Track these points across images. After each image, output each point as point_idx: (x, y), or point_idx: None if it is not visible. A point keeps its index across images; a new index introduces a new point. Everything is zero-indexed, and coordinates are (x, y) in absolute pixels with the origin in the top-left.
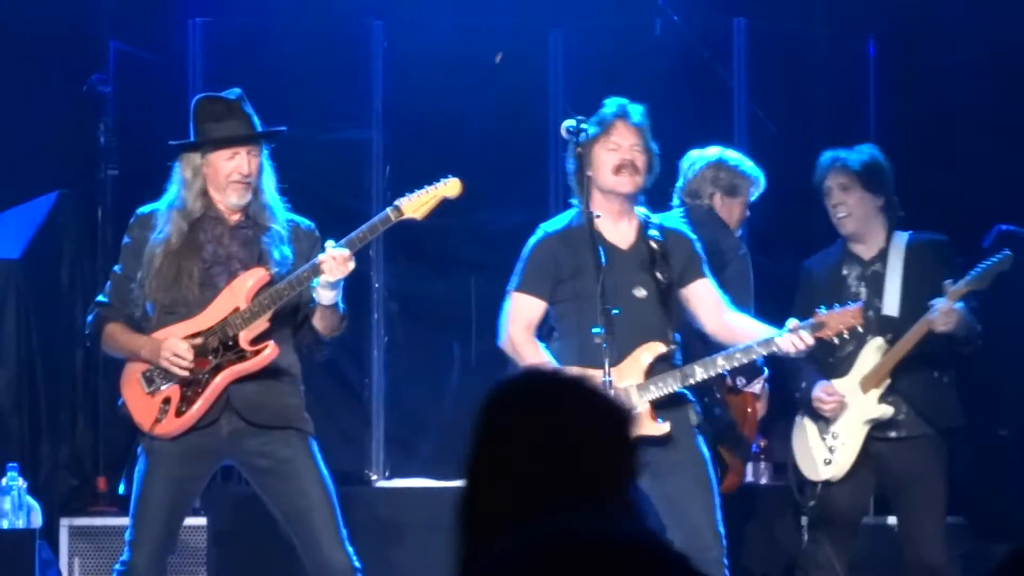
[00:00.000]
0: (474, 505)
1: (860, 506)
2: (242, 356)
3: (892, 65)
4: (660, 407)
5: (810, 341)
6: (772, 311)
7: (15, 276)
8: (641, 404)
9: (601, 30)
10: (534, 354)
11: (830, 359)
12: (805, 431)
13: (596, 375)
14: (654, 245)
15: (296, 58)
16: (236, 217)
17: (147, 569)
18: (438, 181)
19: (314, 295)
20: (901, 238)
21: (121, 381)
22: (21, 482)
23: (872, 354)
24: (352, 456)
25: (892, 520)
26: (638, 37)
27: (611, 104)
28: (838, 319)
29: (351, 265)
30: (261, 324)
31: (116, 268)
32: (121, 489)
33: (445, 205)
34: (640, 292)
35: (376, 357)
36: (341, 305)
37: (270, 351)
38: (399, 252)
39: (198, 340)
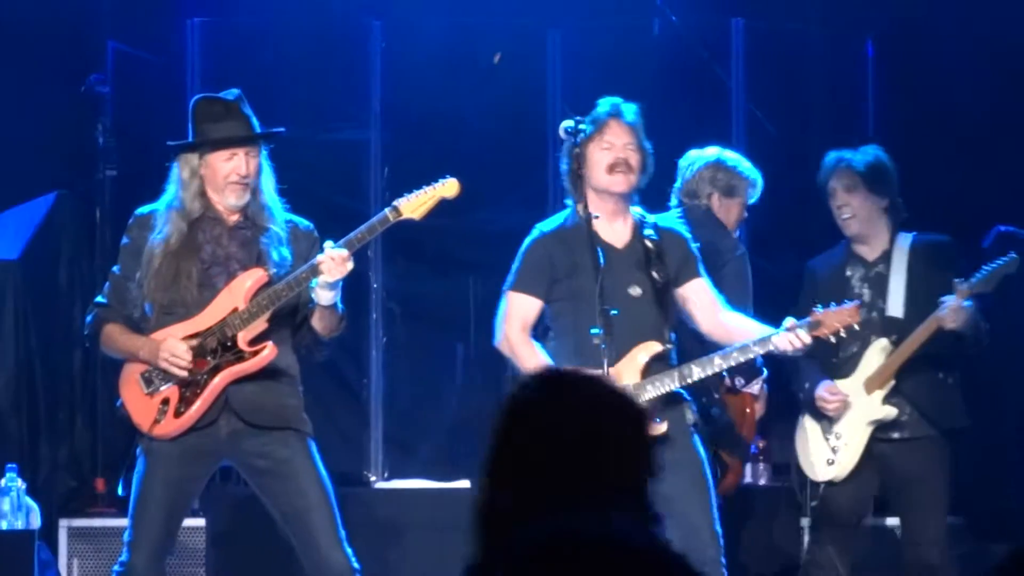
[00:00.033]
0: (493, 504)
1: (862, 507)
2: (241, 357)
3: (890, 65)
4: (657, 407)
5: (807, 340)
6: (771, 311)
7: (13, 276)
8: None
9: (599, 30)
10: (530, 354)
11: (833, 360)
12: (808, 431)
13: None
14: (649, 244)
15: (294, 58)
16: (235, 218)
17: (146, 570)
18: (436, 181)
19: (313, 296)
20: (905, 239)
21: (120, 382)
22: (20, 483)
23: (876, 355)
24: (351, 457)
25: (892, 521)
26: (636, 37)
27: (604, 103)
28: (835, 317)
29: (349, 265)
30: (260, 325)
31: (115, 269)
32: (120, 490)
33: (443, 205)
34: (635, 291)
35: (375, 357)
36: (340, 306)
37: (268, 352)
38: (398, 252)
39: (196, 341)
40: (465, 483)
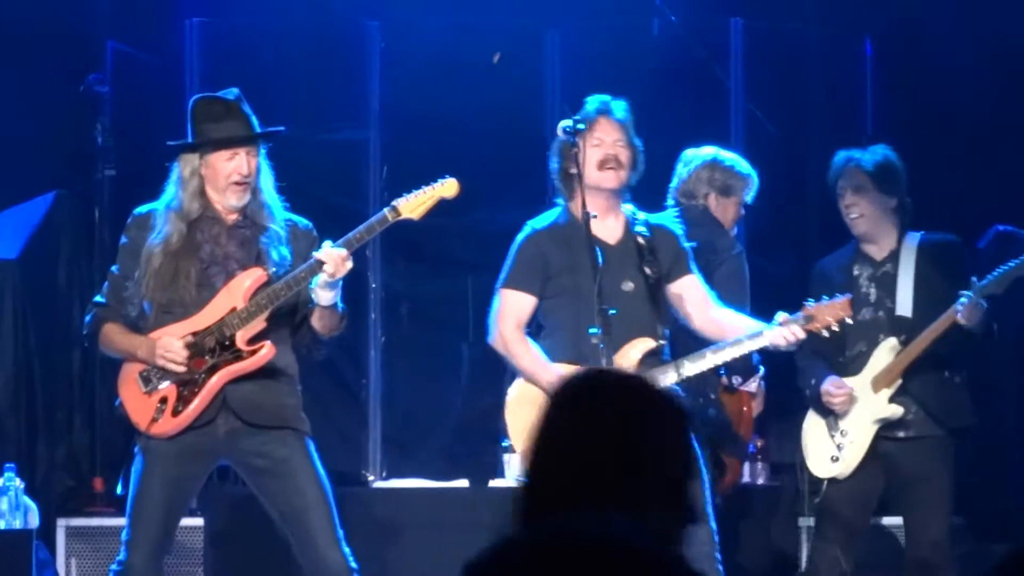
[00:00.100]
0: (534, 498)
1: (867, 506)
2: (239, 356)
3: (889, 65)
4: None
5: (801, 334)
6: (769, 311)
7: (12, 276)
8: None
9: (598, 30)
10: (525, 351)
11: (840, 359)
12: (813, 428)
13: None
14: (641, 240)
15: (293, 58)
16: (234, 217)
17: (144, 569)
18: (435, 181)
19: (313, 296)
20: (913, 239)
21: (118, 381)
22: (18, 482)
23: (885, 354)
24: (349, 456)
25: (892, 520)
26: (635, 37)
27: (594, 100)
28: (827, 311)
29: (349, 265)
30: (258, 324)
31: (113, 268)
32: (119, 489)
33: (442, 205)
34: (628, 286)
35: (373, 357)
36: (340, 305)
37: (267, 351)
38: (396, 252)
39: (195, 340)
40: (463, 483)
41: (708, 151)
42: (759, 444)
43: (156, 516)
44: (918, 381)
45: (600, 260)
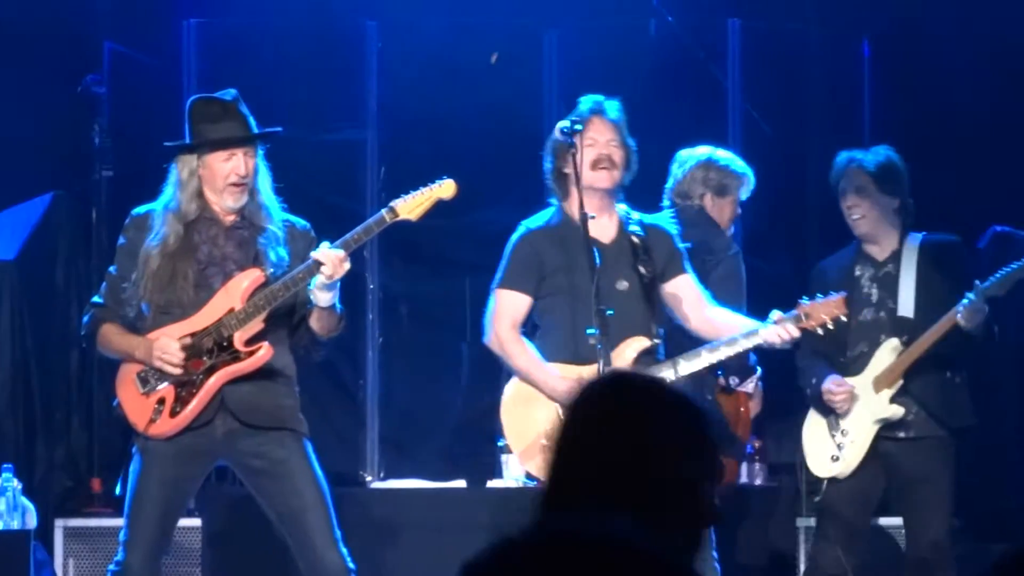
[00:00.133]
0: (552, 501)
1: (867, 506)
2: (237, 357)
3: (887, 65)
4: None
5: (795, 332)
6: (766, 312)
7: (10, 277)
8: None
9: (596, 31)
10: (521, 351)
11: (841, 359)
12: (814, 427)
13: (585, 372)
14: (635, 240)
15: (291, 59)
16: (231, 218)
17: (141, 569)
18: (433, 182)
19: (311, 297)
20: (914, 239)
21: (116, 382)
22: (16, 483)
23: (887, 354)
24: (347, 457)
25: (892, 520)
26: (633, 37)
27: (587, 101)
28: (822, 309)
29: (346, 266)
30: (256, 325)
31: (111, 269)
32: (118, 489)
33: (440, 206)
34: (622, 285)
35: (371, 358)
36: (339, 306)
37: (264, 352)
38: (394, 253)
39: (192, 341)
40: (461, 483)
41: (702, 151)
42: (757, 445)
43: (154, 517)
44: (919, 382)
45: (598, 261)
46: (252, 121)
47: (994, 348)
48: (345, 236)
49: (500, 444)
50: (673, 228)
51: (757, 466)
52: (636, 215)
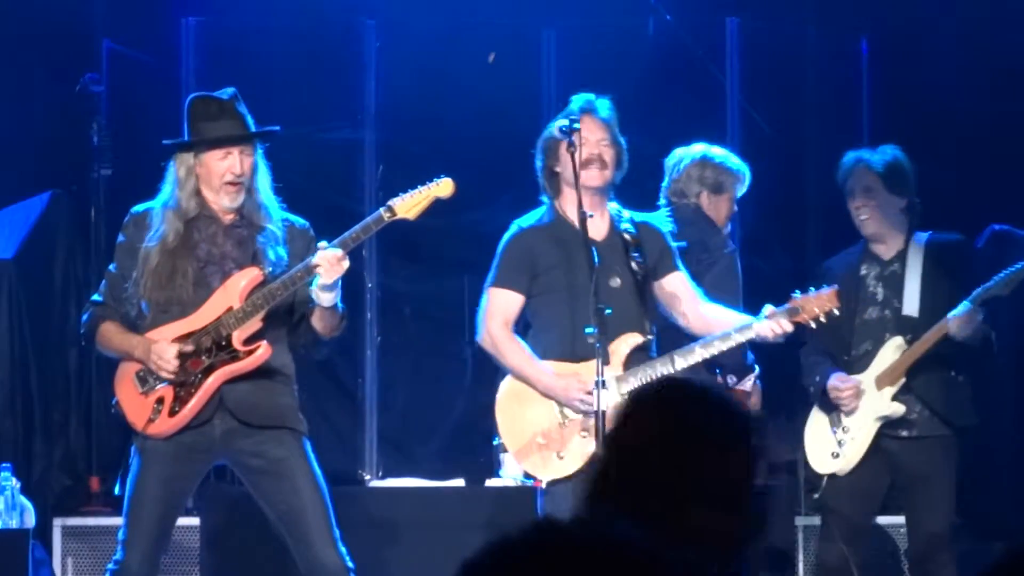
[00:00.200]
0: (604, 495)
1: (870, 504)
2: (235, 356)
3: (885, 64)
4: None
5: (788, 327)
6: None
7: (9, 275)
8: (620, 395)
9: (594, 30)
10: (513, 349)
11: (845, 357)
12: (816, 423)
13: (581, 370)
14: (627, 237)
15: (289, 58)
16: (230, 217)
17: (140, 568)
18: (431, 181)
19: (313, 296)
20: (920, 239)
21: (115, 381)
22: (14, 482)
23: (891, 353)
24: (345, 456)
25: (892, 520)
26: (631, 37)
27: (578, 100)
28: (814, 303)
29: (345, 265)
30: (254, 324)
31: (111, 267)
32: (117, 489)
33: (438, 205)
34: (615, 281)
35: (369, 357)
36: (340, 305)
37: (263, 351)
38: (392, 252)
39: (191, 340)
40: (459, 482)
41: (697, 149)
42: None
43: (152, 516)
44: (922, 380)
45: (596, 259)
46: (250, 120)
47: (993, 349)
48: (343, 235)
49: (496, 442)
50: (664, 226)
51: None
52: (627, 213)
